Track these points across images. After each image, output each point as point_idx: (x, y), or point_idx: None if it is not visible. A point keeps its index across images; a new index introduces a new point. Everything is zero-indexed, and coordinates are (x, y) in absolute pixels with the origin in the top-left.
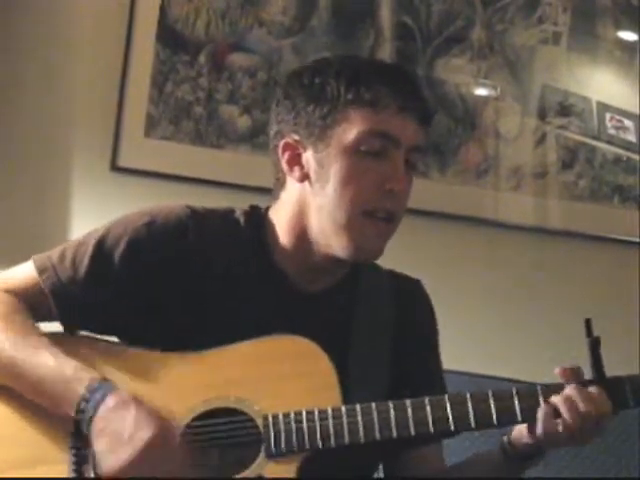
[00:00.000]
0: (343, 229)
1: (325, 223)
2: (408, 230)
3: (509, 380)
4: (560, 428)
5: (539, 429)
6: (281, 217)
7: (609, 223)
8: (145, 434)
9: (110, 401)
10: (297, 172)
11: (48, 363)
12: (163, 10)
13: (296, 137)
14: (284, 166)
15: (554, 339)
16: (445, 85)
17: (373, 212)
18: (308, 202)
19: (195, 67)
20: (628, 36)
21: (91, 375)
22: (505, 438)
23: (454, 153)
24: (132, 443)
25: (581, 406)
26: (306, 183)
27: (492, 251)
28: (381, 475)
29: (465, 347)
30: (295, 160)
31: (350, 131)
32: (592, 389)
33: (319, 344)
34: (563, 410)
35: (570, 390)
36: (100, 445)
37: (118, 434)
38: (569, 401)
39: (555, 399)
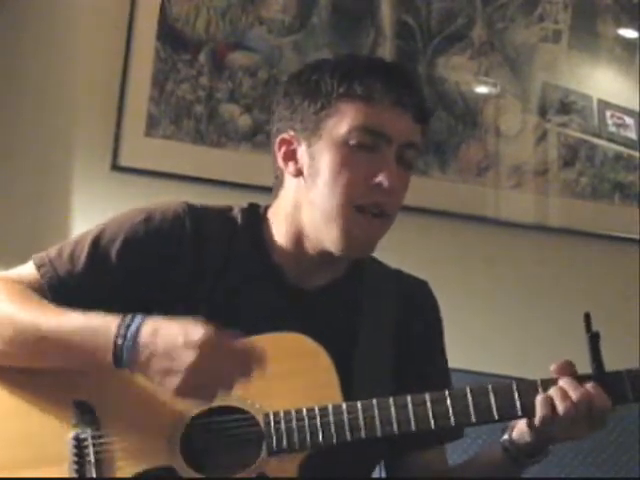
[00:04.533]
0: (333, 222)
1: (317, 217)
2: (409, 228)
3: (511, 378)
4: (555, 418)
5: (537, 420)
6: (278, 215)
7: (610, 221)
8: (197, 334)
9: (147, 327)
10: (292, 167)
11: (74, 318)
12: (163, 9)
13: (292, 132)
14: (280, 162)
15: (555, 336)
16: (446, 83)
17: (363, 207)
18: (302, 198)
19: (195, 66)
20: (629, 34)
21: (119, 317)
22: (507, 437)
23: (455, 151)
24: (187, 350)
25: (573, 395)
26: (300, 178)
27: (493, 249)
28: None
29: (466, 345)
30: (290, 155)
31: (341, 124)
32: (587, 382)
33: (319, 341)
34: (556, 400)
35: (562, 381)
36: (156, 369)
37: (171, 348)
38: (561, 391)
39: (550, 390)
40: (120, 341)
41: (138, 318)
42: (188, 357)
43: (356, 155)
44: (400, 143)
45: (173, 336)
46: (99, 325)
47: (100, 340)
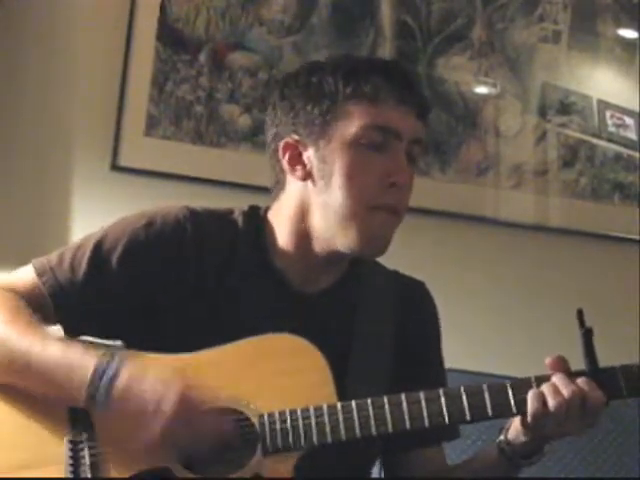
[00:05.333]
0: (350, 222)
1: (331, 219)
2: (409, 228)
3: (510, 378)
4: (547, 413)
5: (528, 416)
6: (281, 218)
7: (609, 221)
8: (169, 403)
9: (121, 380)
10: (299, 171)
11: (56, 351)
12: (163, 9)
13: (296, 137)
14: (285, 166)
15: (555, 336)
16: (445, 83)
17: (378, 207)
18: (310, 201)
19: (195, 66)
20: (628, 34)
21: (97, 357)
22: (502, 438)
23: (455, 151)
24: (159, 414)
25: (565, 392)
26: (308, 182)
27: (493, 249)
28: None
29: (465, 345)
30: (296, 159)
31: (351, 125)
32: (580, 378)
33: (318, 345)
34: (548, 396)
35: (555, 377)
36: (125, 426)
37: (141, 411)
38: (553, 387)
39: (542, 387)
40: (93, 391)
41: (112, 367)
42: (157, 422)
43: (368, 155)
44: (409, 139)
45: (144, 401)
46: (75, 366)
47: (75, 382)
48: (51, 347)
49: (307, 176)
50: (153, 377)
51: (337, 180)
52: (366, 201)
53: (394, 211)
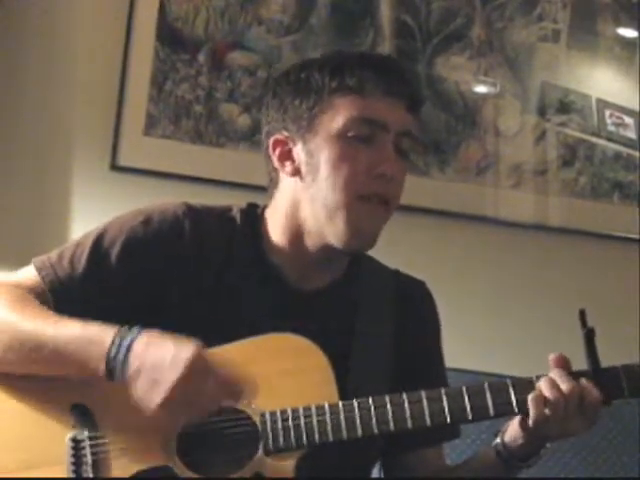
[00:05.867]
0: (338, 214)
1: (319, 212)
2: (408, 228)
3: (510, 378)
4: (547, 411)
5: (530, 420)
6: (276, 215)
7: (609, 220)
8: (186, 353)
9: (141, 340)
10: (288, 167)
11: (71, 327)
12: (163, 9)
13: (285, 133)
14: (276, 163)
15: (555, 336)
16: (445, 83)
17: (367, 197)
18: (301, 196)
19: (195, 66)
20: (628, 33)
21: (116, 327)
22: (499, 440)
23: (454, 151)
24: (175, 366)
25: (563, 386)
26: (298, 177)
27: (492, 248)
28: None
29: (465, 344)
30: (286, 155)
31: (337, 118)
32: (578, 377)
33: (319, 344)
34: (545, 390)
35: (552, 373)
36: (140, 384)
37: (158, 365)
38: (551, 381)
39: (540, 382)
40: (113, 353)
41: (133, 331)
42: (173, 374)
43: (355, 147)
44: (397, 131)
45: (162, 353)
46: (94, 335)
47: (94, 350)
48: (65, 325)
49: (296, 171)
50: (169, 339)
51: (323, 172)
52: (353, 191)
53: (383, 202)
